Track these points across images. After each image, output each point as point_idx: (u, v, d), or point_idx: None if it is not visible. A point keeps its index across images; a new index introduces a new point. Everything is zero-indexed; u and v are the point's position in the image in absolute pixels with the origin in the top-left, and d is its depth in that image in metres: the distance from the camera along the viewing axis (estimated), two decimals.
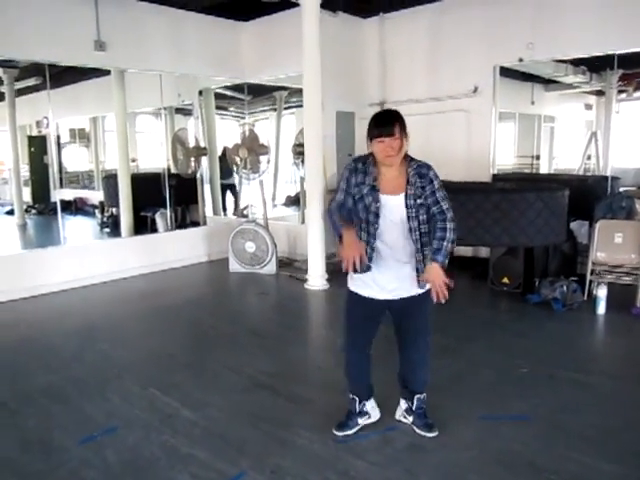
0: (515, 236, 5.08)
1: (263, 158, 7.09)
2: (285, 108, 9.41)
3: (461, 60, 6.87)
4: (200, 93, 8.68)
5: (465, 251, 6.86)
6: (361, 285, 2.81)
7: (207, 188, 8.76)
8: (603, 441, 2.89)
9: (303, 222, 7.57)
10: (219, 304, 5.75)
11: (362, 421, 3.04)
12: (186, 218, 8.86)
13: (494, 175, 6.87)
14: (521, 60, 6.49)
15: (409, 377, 3.00)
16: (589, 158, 12.17)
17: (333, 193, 2.80)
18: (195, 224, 8.37)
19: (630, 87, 12.52)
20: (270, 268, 6.79)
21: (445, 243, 2.63)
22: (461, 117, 6.96)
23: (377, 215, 2.67)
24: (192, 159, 7.96)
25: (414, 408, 3.01)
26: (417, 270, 2.72)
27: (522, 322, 4.88)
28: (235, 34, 7.90)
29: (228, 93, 9.04)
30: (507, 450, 2.84)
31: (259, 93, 8.99)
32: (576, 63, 10.45)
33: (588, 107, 14.39)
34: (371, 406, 3.09)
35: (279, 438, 2.96)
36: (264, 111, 10.01)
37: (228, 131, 9.17)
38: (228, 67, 7.87)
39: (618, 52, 6.91)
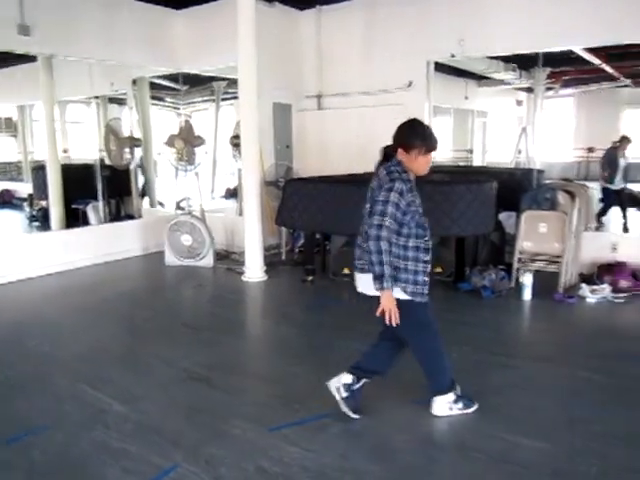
0: (447, 227, 5.23)
1: (199, 150, 6.98)
2: (224, 99, 9.28)
3: (396, 54, 6.99)
4: (134, 82, 8.44)
5: None
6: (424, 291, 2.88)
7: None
8: (526, 419, 3.04)
9: (241, 214, 7.53)
10: (154, 297, 5.64)
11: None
12: (121, 211, 8.62)
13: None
14: (453, 56, 6.67)
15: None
16: (519, 152, 12.67)
17: (382, 215, 2.69)
18: (130, 217, 8.16)
19: (557, 85, 13.11)
20: (207, 261, 6.72)
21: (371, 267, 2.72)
22: (397, 111, 7.07)
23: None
24: (126, 150, 7.74)
25: (356, 387, 3.06)
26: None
27: (453, 310, 5.04)
28: (170, 22, 7.72)
29: (164, 83, 8.83)
30: (438, 431, 2.95)
31: (197, 83, 8.83)
32: (507, 60, 10.83)
33: (519, 103, 14.95)
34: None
35: (214, 429, 2.95)
36: (203, 102, 9.86)
37: (166, 122, 8.98)
38: (162, 56, 7.69)
39: (544, 50, 7.22)
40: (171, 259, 6.82)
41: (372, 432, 2.93)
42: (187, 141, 6.84)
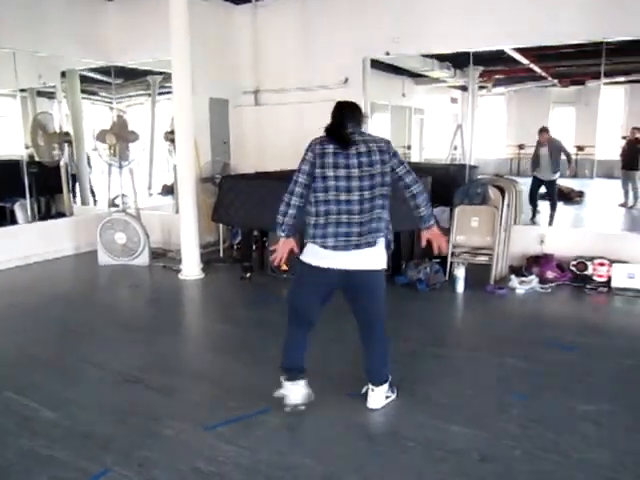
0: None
1: (133, 145, 6.80)
2: (160, 93, 9.04)
3: (331, 51, 7.02)
4: (63, 75, 8.12)
5: None
6: None
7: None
8: (456, 407, 3.15)
9: (178, 211, 7.39)
10: (86, 299, 5.44)
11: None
12: (51, 209, 8.28)
13: None
14: (388, 54, 6.77)
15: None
16: (455, 149, 13.02)
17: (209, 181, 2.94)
18: (62, 215, 7.85)
19: (489, 83, 13.56)
20: (142, 259, 6.56)
21: (427, 205, 3.08)
22: (332, 107, 7.11)
23: None
24: (55, 145, 7.45)
25: None
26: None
27: (389, 303, 5.11)
28: (100, 13, 7.46)
29: (96, 76, 8.53)
30: (372, 423, 3.00)
31: (131, 77, 8.57)
32: (441, 59, 11.09)
33: (454, 101, 15.36)
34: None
35: (147, 431, 2.89)
36: (138, 96, 9.59)
37: (101, 117, 8.67)
38: (92, 48, 7.42)
39: (476, 50, 7.43)
40: (105, 258, 6.62)
41: (308, 426, 2.95)
42: (120, 136, 6.65)
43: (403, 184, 2.97)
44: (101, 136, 6.67)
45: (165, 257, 6.92)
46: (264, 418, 3.01)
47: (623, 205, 9.38)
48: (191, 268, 5.98)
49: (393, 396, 3.17)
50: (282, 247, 3.05)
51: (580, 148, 12.43)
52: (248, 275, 5.92)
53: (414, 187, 2.96)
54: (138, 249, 6.54)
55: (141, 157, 8.78)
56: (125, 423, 2.98)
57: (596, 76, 12.60)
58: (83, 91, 8.51)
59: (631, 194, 9.53)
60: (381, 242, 2.97)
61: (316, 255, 2.95)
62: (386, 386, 3.11)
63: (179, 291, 5.70)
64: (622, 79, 11.07)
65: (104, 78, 8.28)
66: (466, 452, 2.69)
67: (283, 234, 3.01)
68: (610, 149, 10.36)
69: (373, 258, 2.94)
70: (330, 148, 2.92)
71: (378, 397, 3.10)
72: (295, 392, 3.01)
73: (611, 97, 13.01)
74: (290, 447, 2.76)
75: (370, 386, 3.11)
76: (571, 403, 3.18)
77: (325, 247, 2.91)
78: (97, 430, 2.91)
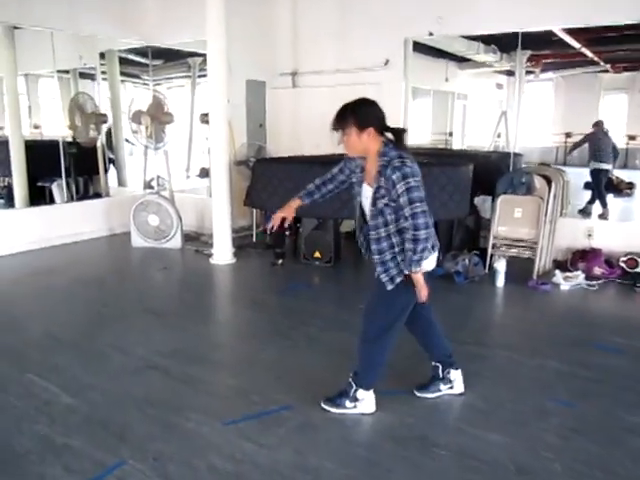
0: None
1: (168, 127, 6.73)
2: (200, 76, 8.96)
3: (372, 31, 6.76)
4: (102, 56, 8.11)
5: None
6: None
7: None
8: (493, 412, 2.94)
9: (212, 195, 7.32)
10: (117, 281, 5.41)
11: (444, 388, 3.08)
12: (89, 189, 8.34)
13: None
14: (431, 34, 6.46)
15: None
16: (499, 136, 12.58)
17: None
18: (99, 195, 7.90)
19: (537, 68, 13.01)
20: (175, 242, 6.51)
21: (409, 254, 2.57)
22: (372, 90, 6.85)
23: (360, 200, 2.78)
24: (91, 126, 7.45)
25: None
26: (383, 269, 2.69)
27: None
28: None
29: (135, 58, 8.50)
30: (398, 425, 2.82)
31: (171, 58, 8.52)
32: (487, 42, 10.68)
33: (499, 86, 14.85)
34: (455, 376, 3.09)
35: (165, 422, 2.79)
36: (179, 78, 9.54)
37: (139, 99, 8.66)
38: (129, 27, 7.33)
39: (524, 30, 7.04)
40: (138, 240, 6.59)
41: (330, 425, 2.79)
42: (155, 118, 6.58)
43: None
44: (136, 117, 6.61)
45: (198, 241, 6.85)
46: (286, 415, 2.88)
47: None
48: (223, 253, 5.88)
49: (349, 409, 2.88)
50: None
51: (632, 137, 11.83)
52: (280, 262, 5.79)
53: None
54: (171, 232, 6.49)
55: (178, 139, 8.78)
56: (143, 412, 2.89)
57: None
58: (123, 73, 8.51)
59: None
60: None
61: (433, 260, 2.76)
62: (349, 392, 2.89)
63: (209, 276, 5.62)
64: None
65: (143, 60, 8.24)
66: (501, 462, 2.49)
67: None
68: None
69: None
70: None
71: (333, 400, 2.93)
72: None
73: None
74: (310, 447, 2.61)
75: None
76: (618, 413, 2.93)
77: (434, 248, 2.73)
78: (114, 419, 2.83)
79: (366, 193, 2.70)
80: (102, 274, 5.67)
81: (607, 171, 8.05)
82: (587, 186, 8.26)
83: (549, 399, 3.07)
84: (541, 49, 11.39)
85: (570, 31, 8.95)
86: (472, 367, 3.44)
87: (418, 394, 3.07)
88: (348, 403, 2.89)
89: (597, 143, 7.95)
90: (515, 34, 8.68)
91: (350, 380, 2.90)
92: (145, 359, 3.53)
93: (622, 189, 9.78)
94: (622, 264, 5.43)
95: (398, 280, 2.67)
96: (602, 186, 7.97)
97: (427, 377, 3.11)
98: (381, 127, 2.67)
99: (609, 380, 3.31)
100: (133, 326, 4.16)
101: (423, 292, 2.67)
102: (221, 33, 5.47)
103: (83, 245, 6.72)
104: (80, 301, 4.76)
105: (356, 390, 2.88)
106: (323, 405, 2.93)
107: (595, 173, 7.94)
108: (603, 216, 7.79)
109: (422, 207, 2.52)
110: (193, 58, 8.62)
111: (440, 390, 3.06)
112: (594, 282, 5.26)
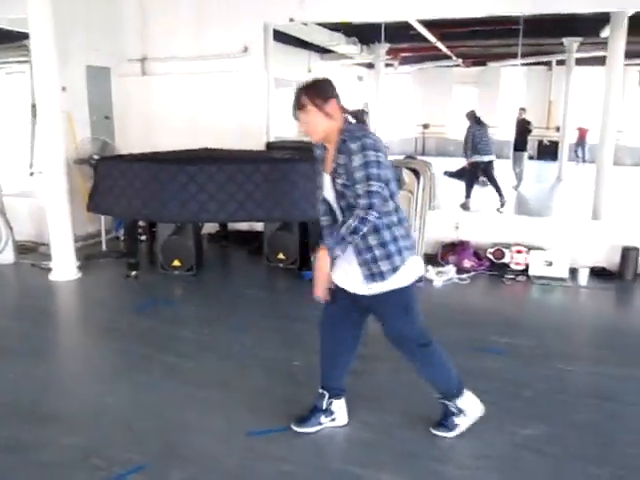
0: (288, 210, 4.65)
1: None
2: None
3: (229, 15, 6.22)
4: None
5: (241, 225, 6.35)
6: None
7: None
8: (380, 443, 2.60)
9: None
10: None
11: (326, 421, 2.67)
12: None
13: (268, 143, 6.42)
14: (292, 20, 6.05)
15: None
16: None
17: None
18: None
19: (396, 61, 13.23)
20: (6, 256, 5.50)
21: (343, 230, 2.22)
22: (231, 79, 6.35)
23: (323, 196, 2.43)
24: None
25: None
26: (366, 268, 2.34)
27: (295, 303, 4.52)
28: None
29: None
30: (277, 475, 2.38)
31: (4, 40, 7.28)
32: (349, 34, 10.60)
33: (360, 79, 14.98)
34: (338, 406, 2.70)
35: None
36: (17, 62, 8.26)
37: None
38: None
39: (382, 20, 6.92)
40: None
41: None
42: None
43: None
44: None
45: (36, 252, 5.89)
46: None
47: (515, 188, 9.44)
48: (64, 267, 5.04)
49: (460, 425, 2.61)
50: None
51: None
52: (134, 273, 5.08)
53: None
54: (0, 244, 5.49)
55: (15, 133, 7.62)
56: None
57: (497, 57, 12.65)
58: None
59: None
60: None
61: (417, 262, 2.47)
62: (453, 411, 2.61)
63: (47, 297, 4.73)
64: (522, 61, 11.11)
65: None
66: None
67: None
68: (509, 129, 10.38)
69: None
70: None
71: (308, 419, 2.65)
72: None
73: (511, 78, 13.16)
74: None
75: None
76: (509, 427, 2.73)
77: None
78: None
79: (327, 183, 2.37)
80: None
81: (483, 162, 8.09)
82: (449, 175, 8.37)
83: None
84: (400, 42, 11.58)
85: (427, 24, 9.08)
86: (350, 386, 3.08)
87: (297, 429, 2.65)
88: (457, 420, 2.60)
89: (473, 135, 7.98)
90: (375, 26, 8.61)
91: (444, 402, 2.60)
92: None
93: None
94: (489, 255, 5.47)
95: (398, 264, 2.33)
96: (474, 178, 8.08)
97: (307, 407, 2.70)
98: (341, 104, 2.34)
99: (493, 387, 3.12)
100: None
101: (318, 281, 2.35)
102: (45, 9, 4.61)
103: None
104: None
105: (455, 406, 2.59)
106: (295, 427, 2.62)
107: (473, 165, 8.00)
108: (465, 206, 7.96)
109: (379, 187, 2.18)
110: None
111: (321, 423, 2.67)
112: (465, 275, 5.22)
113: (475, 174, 8.06)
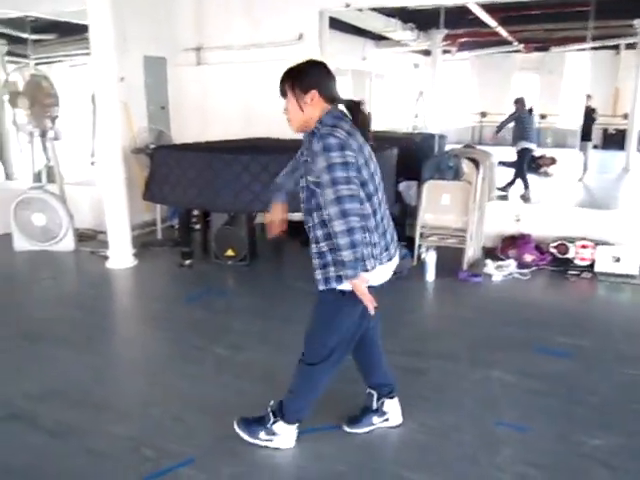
0: None
1: (53, 111, 5.81)
2: None
3: (285, 2, 6.13)
4: None
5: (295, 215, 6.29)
6: None
7: None
8: (435, 447, 2.48)
9: None
10: None
11: (378, 421, 2.57)
12: None
13: None
14: (348, 5, 5.90)
15: None
16: (417, 117, 12.36)
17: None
18: None
19: (453, 48, 12.85)
20: (66, 244, 5.64)
21: (340, 252, 2.04)
22: (285, 67, 6.26)
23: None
24: None
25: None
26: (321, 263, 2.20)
27: None
28: None
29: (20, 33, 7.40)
30: (326, 476, 2.31)
31: (68, 33, 7.47)
32: (405, 20, 10.33)
33: (416, 66, 14.64)
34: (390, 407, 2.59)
35: None
36: (79, 55, 8.48)
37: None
38: None
39: (445, 3, 6.68)
40: (21, 243, 5.68)
41: None
42: (36, 100, 5.65)
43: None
44: (13, 100, 5.67)
45: (95, 240, 6.02)
46: (187, 473, 2.28)
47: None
48: (121, 256, 5.12)
49: (270, 441, 2.41)
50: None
51: (543, 116, 11.94)
52: (188, 262, 5.11)
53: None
54: (60, 232, 5.63)
55: (78, 123, 7.81)
56: None
57: (561, 42, 12.07)
58: (13, 53, 7.45)
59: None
60: None
61: (380, 271, 2.23)
62: (268, 421, 2.40)
63: (103, 285, 4.81)
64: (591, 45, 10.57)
65: (18, 33, 7.19)
66: None
67: None
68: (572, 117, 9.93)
69: None
70: (359, 135, 2.16)
71: (248, 425, 2.45)
72: None
73: (575, 63, 12.54)
74: None
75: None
76: (576, 436, 2.55)
77: (391, 258, 2.27)
78: None
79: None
80: None
81: (531, 150, 7.94)
82: (502, 164, 8.15)
83: (498, 423, 2.65)
84: (458, 28, 11.22)
85: (487, 8, 8.73)
86: (409, 386, 2.98)
87: (348, 429, 2.56)
88: (263, 435, 2.40)
89: (522, 122, 7.76)
90: (432, 12, 8.35)
91: (269, 410, 2.40)
92: (8, 405, 2.80)
93: (542, 165, 9.79)
94: (552, 250, 5.20)
95: (335, 285, 2.15)
96: (525, 166, 7.85)
97: (359, 407, 2.60)
98: (328, 93, 2.15)
99: (558, 392, 2.95)
100: (1, 359, 3.37)
101: (367, 302, 2.13)
102: (104, 0, 4.66)
103: None
104: None
105: (274, 422, 2.38)
106: (236, 426, 2.45)
107: (521, 153, 7.79)
108: (525, 197, 7.68)
109: (349, 190, 2.00)
110: None
111: (373, 424, 2.57)
112: (526, 270, 4.98)
113: (524, 162, 7.85)
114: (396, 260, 2.33)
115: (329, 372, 2.33)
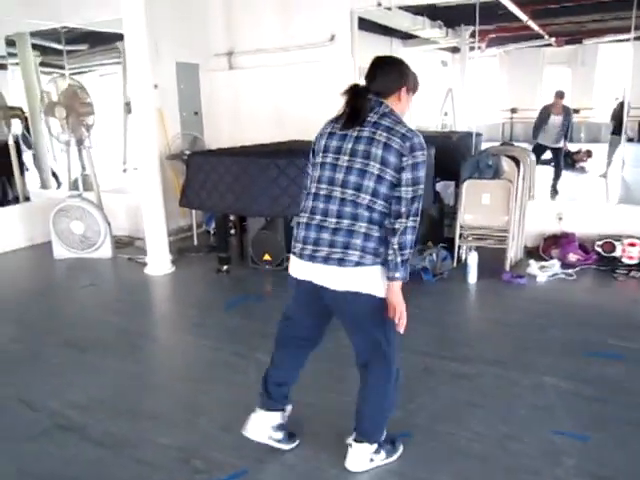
0: None
1: (91, 119, 5.87)
2: None
3: (315, 4, 6.10)
4: (13, 43, 7.17)
5: None
6: None
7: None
8: (493, 457, 2.39)
9: None
10: (30, 306, 4.50)
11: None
12: (7, 193, 7.37)
13: None
14: (379, 4, 5.84)
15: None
16: (446, 114, 12.18)
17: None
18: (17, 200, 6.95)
19: (482, 44, 12.64)
20: (105, 251, 5.69)
21: (403, 250, 2.09)
22: (318, 69, 6.22)
23: None
24: (1, 122, 6.50)
25: None
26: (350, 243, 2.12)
27: None
28: None
29: (54, 44, 7.51)
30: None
31: (98, 43, 7.57)
32: (433, 17, 10.20)
33: (444, 64, 14.45)
34: None
35: None
36: (109, 64, 8.60)
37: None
38: (34, 4, 6.37)
39: (473, 1, 6.55)
40: (61, 251, 5.75)
41: None
42: (71, 109, 5.72)
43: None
44: (49, 109, 5.75)
45: (132, 246, 6.07)
46: None
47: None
48: (158, 262, 5.14)
49: (385, 460, 2.33)
50: None
51: (576, 111, 11.63)
52: (225, 268, 5.11)
53: (397, 222, 2.05)
54: (98, 240, 5.68)
55: (112, 131, 7.89)
56: None
57: (593, 34, 11.77)
58: (46, 64, 7.57)
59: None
60: (367, 264, 2.06)
61: (292, 263, 2.23)
62: (372, 447, 2.29)
63: (142, 292, 4.83)
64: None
65: (52, 44, 7.30)
66: None
67: None
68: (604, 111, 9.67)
69: (351, 276, 2.07)
70: (329, 127, 2.15)
71: (357, 456, 2.29)
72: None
73: (609, 55, 12.20)
74: None
75: (351, 438, 2.32)
76: (634, 444, 2.43)
77: (294, 254, 2.19)
78: None
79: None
80: (14, 296, 4.80)
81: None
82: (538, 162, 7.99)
83: (556, 432, 2.54)
84: (487, 23, 11.02)
85: (518, 2, 8.56)
86: (460, 392, 2.90)
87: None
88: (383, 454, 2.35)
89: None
90: (460, 8, 8.20)
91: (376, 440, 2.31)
92: (56, 415, 2.80)
93: (578, 160, 9.57)
94: (598, 248, 5.03)
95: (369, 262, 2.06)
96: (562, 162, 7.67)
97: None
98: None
99: (614, 397, 2.83)
100: (48, 368, 3.37)
101: (400, 311, 2.08)
102: (139, 8, 4.67)
103: None
104: None
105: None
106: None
107: (556, 149, 7.60)
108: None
109: (423, 190, 2.12)
110: (122, 42, 7.72)
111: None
112: (571, 270, 4.83)
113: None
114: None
115: None
